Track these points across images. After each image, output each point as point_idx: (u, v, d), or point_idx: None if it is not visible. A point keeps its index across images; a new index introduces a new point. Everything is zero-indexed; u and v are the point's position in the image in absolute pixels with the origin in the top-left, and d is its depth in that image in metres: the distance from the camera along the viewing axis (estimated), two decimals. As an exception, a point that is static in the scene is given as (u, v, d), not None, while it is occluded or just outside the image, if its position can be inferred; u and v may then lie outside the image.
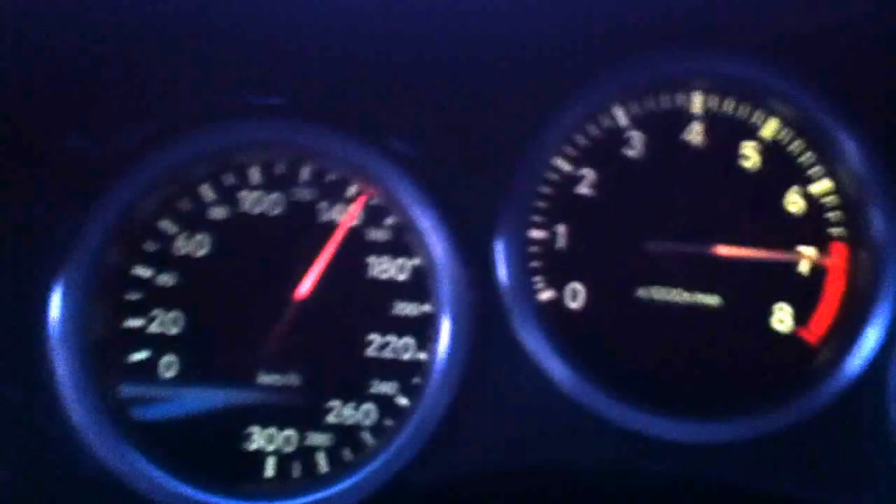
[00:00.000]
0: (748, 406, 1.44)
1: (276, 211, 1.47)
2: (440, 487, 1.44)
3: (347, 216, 1.45)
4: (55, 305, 1.41)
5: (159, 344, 1.44)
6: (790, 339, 1.46)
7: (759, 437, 1.42)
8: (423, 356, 1.45)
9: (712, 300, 1.46)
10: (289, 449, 1.44)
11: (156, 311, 1.45)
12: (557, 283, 1.47)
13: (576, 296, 1.47)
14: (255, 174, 1.47)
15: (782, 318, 1.46)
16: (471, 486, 1.44)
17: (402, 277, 1.46)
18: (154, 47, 1.41)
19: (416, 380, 1.44)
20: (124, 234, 1.44)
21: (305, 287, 1.44)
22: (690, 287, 1.46)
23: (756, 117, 1.48)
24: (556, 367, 1.44)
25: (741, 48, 1.45)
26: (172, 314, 1.45)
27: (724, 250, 1.46)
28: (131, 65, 1.42)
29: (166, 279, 1.46)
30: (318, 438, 1.44)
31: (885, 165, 1.44)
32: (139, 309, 1.45)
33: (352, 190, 1.47)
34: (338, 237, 1.44)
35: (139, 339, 1.45)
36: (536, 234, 1.47)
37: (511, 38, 1.41)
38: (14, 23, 1.31)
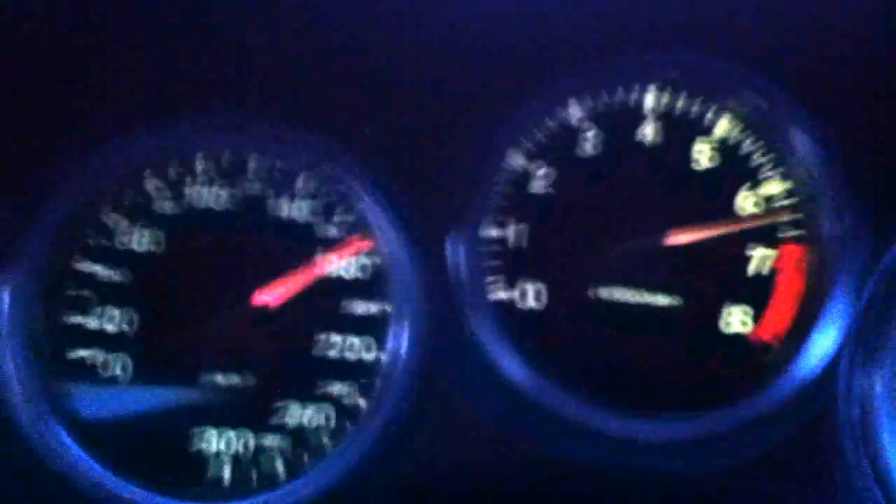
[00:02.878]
0: (704, 404, 1.43)
1: (225, 205, 1.45)
2: (396, 488, 1.43)
3: (329, 260, 1.44)
4: (2, 302, 1.38)
5: (106, 342, 1.42)
6: (744, 338, 1.46)
7: (715, 434, 1.42)
8: (377, 356, 1.43)
9: (668, 300, 1.46)
10: (245, 452, 1.42)
11: (102, 309, 1.42)
12: (513, 282, 1.46)
13: (532, 294, 1.46)
14: (201, 166, 1.45)
15: (737, 318, 1.46)
16: (428, 486, 1.44)
17: (355, 275, 1.44)
18: (101, 40, 1.40)
19: (373, 382, 1.43)
20: (70, 229, 1.41)
21: (269, 297, 1.42)
22: (646, 286, 1.46)
23: (710, 115, 1.48)
24: (512, 366, 1.43)
25: (695, 45, 1.46)
26: (120, 311, 1.42)
27: (679, 238, 1.45)
28: (77, 59, 1.41)
29: (112, 275, 1.43)
30: (274, 441, 1.42)
31: (838, 164, 1.44)
32: (85, 306, 1.42)
33: (300, 183, 1.45)
34: (313, 272, 1.43)
35: (85, 336, 1.42)
36: (492, 231, 1.46)
37: (467, 34, 1.41)
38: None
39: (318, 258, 1.43)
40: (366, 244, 1.44)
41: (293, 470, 1.41)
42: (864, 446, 1.41)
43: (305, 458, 1.42)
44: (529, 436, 1.44)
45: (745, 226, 1.47)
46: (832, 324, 1.44)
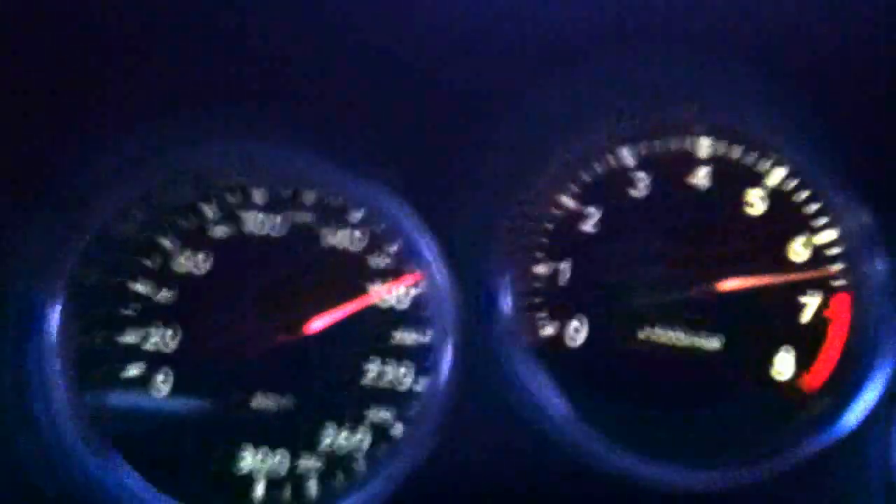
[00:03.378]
0: (744, 453, 1.43)
1: (278, 233, 1.47)
2: (429, 516, 1.43)
3: (380, 291, 1.46)
4: (52, 317, 1.41)
5: (154, 360, 1.45)
6: (789, 386, 1.45)
7: (753, 485, 1.41)
8: (419, 386, 1.45)
9: (713, 344, 1.46)
10: (280, 472, 1.43)
11: (154, 329, 1.45)
12: (559, 320, 1.47)
13: (576, 333, 1.47)
14: (258, 195, 1.48)
15: (782, 365, 1.45)
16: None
17: (402, 306, 1.46)
18: (148, 62, 1.42)
19: (411, 409, 1.44)
20: (125, 248, 1.45)
21: (316, 326, 1.44)
22: (692, 329, 1.46)
23: (762, 165, 1.48)
24: (552, 404, 1.44)
25: (752, 99, 1.46)
26: (168, 331, 1.45)
27: (726, 285, 1.45)
28: (127, 79, 1.42)
29: (164, 295, 1.46)
30: (310, 462, 1.44)
31: (889, 217, 1.44)
32: (135, 324, 1.45)
33: (355, 216, 1.48)
34: (363, 302, 1.45)
35: (134, 354, 1.45)
36: (539, 269, 1.47)
37: (520, 73, 1.42)
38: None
39: (369, 288, 1.46)
40: (416, 277, 1.46)
41: (327, 492, 1.43)
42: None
43: (340, 480, 1.44)
44: (564, 475, 1.43)
45: (797, 276, 1.46)
46: (877, 376, 1.43)
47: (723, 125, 1.48)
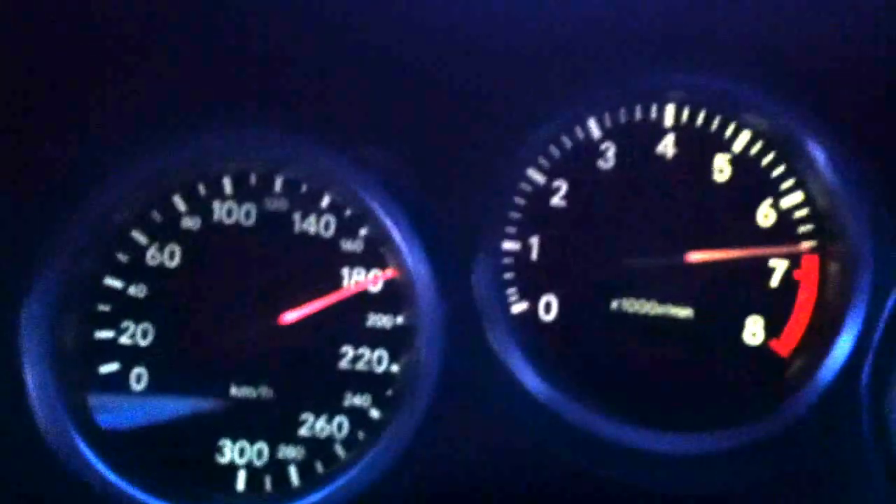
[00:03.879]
0: (721, 418, 1.44)
1: (250, 221, 1.46)
2: (412, 499, 1.43)
3: (364, 281, 1.45)
4: (26, 315, 1.39)
5: (130, 355, 1.43)
6: (762, 350, 1.47)
7: (732, 449, 1.43)
8: (395, 368, 1.44)
9: (685, 312, 1.47)
10: (260, 462, 1.43)
11: (126, 323, 1.43)
12: (531, 295, 1.47)
13: (549, 307, 1.47)
14: (227, 184, 1.46)
15: (754, 330, 1.47)
16: (443, 498, 1.44)
17: (375, 289, 1.45)
18: (129, 57, 1.41)
19: (388, 392, 1.44)
20: (97, 244, 1.42)
21: (291, 317, 1.43)
22: (663, 299, 1.47)
23: (728, 130, 1.48)
24: (530, 379, 1.44)
25: (713, 62, 1.46)
26: (143, 325, 1.43)
27: (696, 256, 1.46)
28: (106, 74, 1.41)
29: (138, 290, 1.44)
30: (289, 451, 1.43)
31: (856, 176, 1.45)
32: (110, 320, 1.43)
33: (326, 200, 1.46)
34: (343, 293, 1.44)
35: (109, 350, 1.43)
36: (510, 245, 1.47)
37: (487, 50, 1.41)
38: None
39: (343, 273, 1.45)
40: (392, 273, 1.45)
41: (308, 479, 1.43)
42: (886, 458, 1.42)
43: (320, 468, 1.43)
44: (546, 447, 1.44)
45: (766, 250, 1.47)
46: (848, 334, 1.44)
47: (686, 91, 1.47)
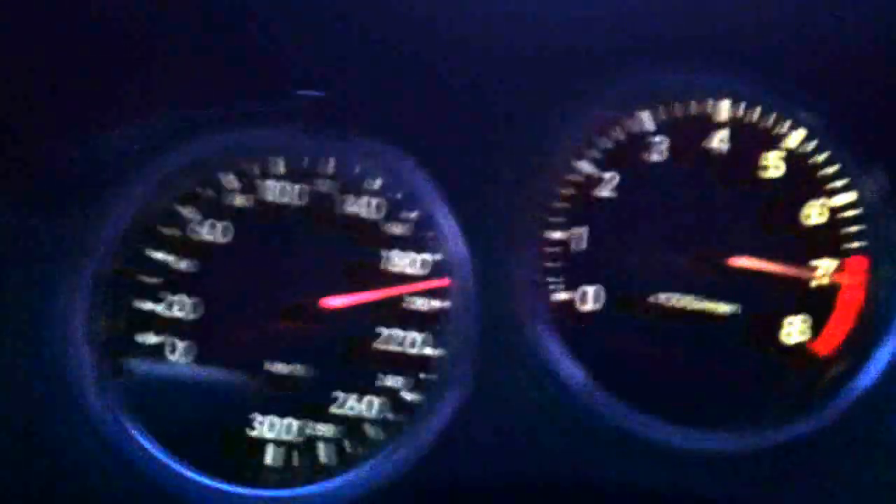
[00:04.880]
0: (758, 416, 1.43)
1: (297, 201, 1.45)
2: (445, 484, 1.43)
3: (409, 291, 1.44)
4: (74, 287, 1.40)
5: (174, 328, 1.43)
6: (801, 350, 1.45)
7: (768, 448, 1.42)
8: (432, 352, 1.44)
9: (726, 309, 1.45)
10: (289, 437, 1.43)
11: (172, 296, 1.44)
12: (573, 285, 1.46)
13: (590, 298, 1.46)
14: (277, 165, 1.46)
15: (794, 329, 1.45)
16: (476, 485, 1.43)
17: (417, 272, 1.44)
18: (169, 45, 1.39)
19: (424, 375, 1.43)
20: (145, 219, 1.43)
21: (335, 303, 1.42)
22: (705, 295, 1.45)
23: (781, 127, 1.46)
24: (566, 368, 1.44)
25: (771, 61, 1.44)
26: (188, 299, 1.44)
27: (739, 262, 1.44)
28: (145, 60, 1.40)
29: (184, 265, 1.44)
30: (321, 428, 1.43)
31: None
32: (156, 293, 1.44)
33: (373, 183, 1.45)
34: (388, 293, 1.43)
35: (154, 322, 1.43)
36: (555, 234, 1.46)
37: (539, 39, 1.40)
38: (11, 26, 1.29)
39: (389, 265, 1.45)
40: (444, 282, 1.44)
41: (345, 460, 1.43)
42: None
43: (358, 449, 1.43)
44: (579, 438, 1.43)
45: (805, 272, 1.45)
46: (891, 338, 1.43)
47: (742, 87, 1.46)
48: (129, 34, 1.36)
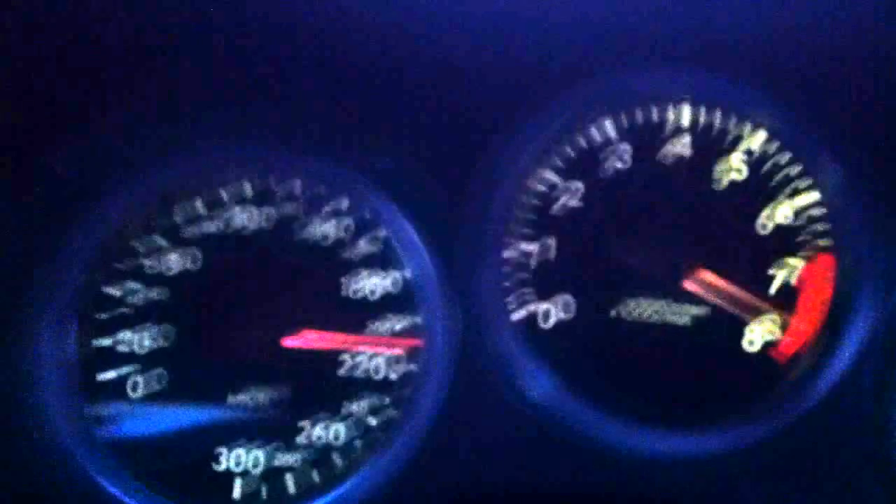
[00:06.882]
0: (722, 418, 1.43)
1: (258, 225, 1.42)
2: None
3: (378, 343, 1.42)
4: (32, 325, 1.36)
5: (135, 362, 1.40)
6: (767, 352, 1.45)
7: (732, 450, 1.42)
8: (394, 376, 1.42)
9: (694, 312, 1.44)
10: (256, 470, 1.40)
11: (132, 330, 1.40)
12: (542, 296, 1.44)
13: (557, 308, 1.44)
14: (236, 190, 1.42)
15: (763, 329, 1.45)
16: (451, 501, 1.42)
17: (385, 291, 1.42)
18: (139, 70, 1.37)
19: (389, 399, 1.41)
20: (100, 256, 1.39)
21: (297, 343, 1.40)
22: (672, 299, 1.45)
23: (743, 129, 1.46)
24: (537, 380, 1.43)
25: (730, 64, 1.43)
26: (148, 332, 1.40)
27: (694, 284, 1.45)
28: (116, 85, 1.37)
29: (141, 298, 1.40)
30: (286, 459, 1.40)
31: (867, 174, 1.43)
32: (114, 329, 1.40)
33: (339, 204, 1.43)
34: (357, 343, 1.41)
35: (114, 358, 1.39)
36: (523, 246, 1.44)
37: (498, 50, 1.39)
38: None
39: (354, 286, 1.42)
40: (415, 342, 1.42)
41: (304, 488, 1.40)
42: (886, 463, 1.41)
43: (316, 476, 1.40)
44: (549, 449, 1.42)
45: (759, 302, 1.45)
46: (855, 333, 1.43)
47: (701, 91, 1.45)
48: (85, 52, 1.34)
